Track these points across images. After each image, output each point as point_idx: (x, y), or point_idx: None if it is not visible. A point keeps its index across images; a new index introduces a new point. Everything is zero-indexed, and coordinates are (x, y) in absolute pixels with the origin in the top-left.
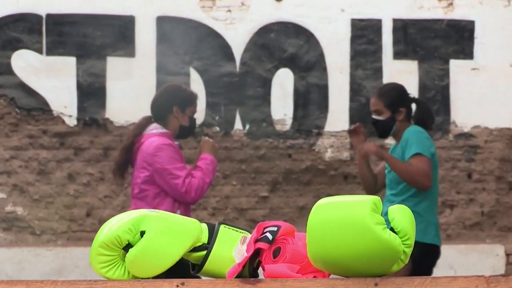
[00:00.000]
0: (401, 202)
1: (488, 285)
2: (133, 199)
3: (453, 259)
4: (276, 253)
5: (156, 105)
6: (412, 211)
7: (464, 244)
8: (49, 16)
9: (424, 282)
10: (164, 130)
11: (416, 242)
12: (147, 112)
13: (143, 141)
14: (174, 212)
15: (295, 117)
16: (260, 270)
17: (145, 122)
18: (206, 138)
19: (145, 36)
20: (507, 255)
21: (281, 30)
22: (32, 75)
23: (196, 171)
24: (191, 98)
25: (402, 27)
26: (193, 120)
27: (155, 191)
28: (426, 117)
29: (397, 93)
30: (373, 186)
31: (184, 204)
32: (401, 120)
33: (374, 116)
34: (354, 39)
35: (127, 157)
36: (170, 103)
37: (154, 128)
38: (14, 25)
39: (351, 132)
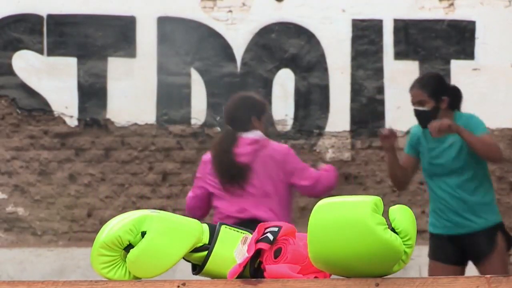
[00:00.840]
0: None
1: (489, 286)
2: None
3: None
4: (277, 254)
5: (237, 116)
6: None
7: None
8: (50, 16)
9: (425, 282)
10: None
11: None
12: (148, 112)
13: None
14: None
15: (296, 118)
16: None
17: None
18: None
19: (146, 37)
20: (509, 255)
21: (282, 30)
22: (33, 75)
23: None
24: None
25: (403, 28)
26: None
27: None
28: (460, 103)
29: (438, 82)
30: (404, 180)
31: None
32: (444, 108)
33: (417, 108)
34: (355, 39)
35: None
36: (251, 114)
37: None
38: (15, 25)
39: (383, 137)
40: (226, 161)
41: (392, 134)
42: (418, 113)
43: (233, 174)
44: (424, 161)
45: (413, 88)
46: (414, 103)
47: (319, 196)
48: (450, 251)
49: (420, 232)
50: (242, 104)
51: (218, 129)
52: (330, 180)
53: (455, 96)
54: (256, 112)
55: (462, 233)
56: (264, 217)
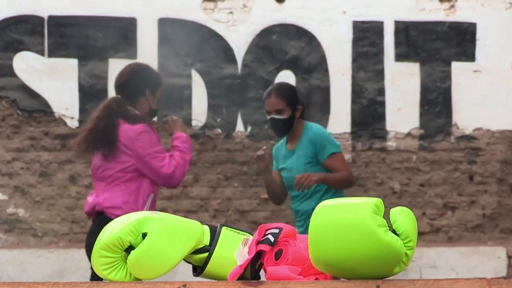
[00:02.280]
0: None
1: (490, 287)
2: (100, 181)
3: (455, 261)
4: (278, 255)
5: (128, 87)
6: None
7: (466, 247)
8: (51, 18)
9: (426, 284)
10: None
11: None
12: None
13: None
14: (148, 196)
15: None
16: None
17: (116, 104)
18: (174, 117)
19: (147, 38)
20: (509, 257)
21: (283, 32)
22: (34, 77)
23: (174, 151)
24: (160, 81)
25: (403, 29)
26: (159, 103)
27: (132, 176)
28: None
29: (294, 92)
30: (282, 196)
31: (165, 186)
32: (298, 117)
33: (275, 116)
34: (356, 41)
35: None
36: (143, 86)
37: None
38: (16, 26)
39: (258, 158)
40: None
41: (267, 155)
42: (275, 122)
43: None
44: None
45: (270, 97)
46: (271, 112)
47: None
48: None
49: (421, 234)
50: (137, 74)
51: (219, 130)
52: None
53: (305, 106)
54: (151, 85)
55: None
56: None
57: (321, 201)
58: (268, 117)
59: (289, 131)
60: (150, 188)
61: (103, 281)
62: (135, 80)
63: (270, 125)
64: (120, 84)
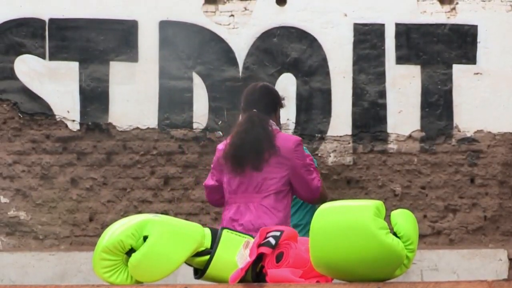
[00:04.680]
0: None
1: None
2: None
3: (456, 263)
4: (279, 258)
5: (264, 103)
6: None
7: (467, 249)
8: (52, 20)
9: (427, 287)
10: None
11: None
12: (150, 116)
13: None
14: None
15: (298, 122)
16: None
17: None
18: None
19: (148, 41)
20: (510, 259)
21: (284, 34)
22: (35, 79)
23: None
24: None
25: (405, 32)
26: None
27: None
28: None
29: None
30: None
31: (307, 200)
32: None
33: None
34: (357, 43)
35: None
36: (276, 103)
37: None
38: (17, 29)
39: None
40: None
41: None
42: None
43: None
44: None
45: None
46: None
47: None
48: None
49: (422, 236)
50: (271, 92)
51: (220, 133)
52: None
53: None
54: (279, 103)
55: None
56: None
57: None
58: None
59: None
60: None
61: (104, 283)
62: (268, 97)
63: None
64: (255, 100)
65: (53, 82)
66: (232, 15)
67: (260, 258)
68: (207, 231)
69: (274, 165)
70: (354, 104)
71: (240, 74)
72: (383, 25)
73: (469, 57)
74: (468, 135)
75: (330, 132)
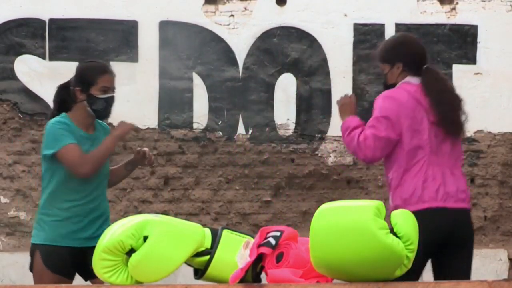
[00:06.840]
0: None
1: None
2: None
3: None
4: (279, 258)
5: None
6: None
7: None
8: (52, 21)
9: (427, 287)
10: None
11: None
12: (150, 117)
13: None
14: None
15: (298, 122)
16: (263, 275)
17: None
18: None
19: (148, 41)
20: (510, 259)
21: (284, 34)
22: (35, 80)
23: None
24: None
25: (405, 32)
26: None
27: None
28: None
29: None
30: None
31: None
32: None
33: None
34: (357, 43)
35: None
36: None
37: None
38: (17, 30)
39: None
40: None
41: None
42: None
43: None
44: None
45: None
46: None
47: None
48: None
49: None
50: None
51: (220, 133)
52: None
53: None
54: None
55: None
56: None
57: None
58: (108, 95)
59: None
60: None
61: (105, 284)
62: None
63: (105, 104)
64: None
65: (53, 82)
66: (232, 15)
67: (260, 258)
68: (207, 231)
69: None
70: None
71: (240, 74)
72: (383, 25)
73: (469, 57)
74: (468, 135)
75: (330, 132)
